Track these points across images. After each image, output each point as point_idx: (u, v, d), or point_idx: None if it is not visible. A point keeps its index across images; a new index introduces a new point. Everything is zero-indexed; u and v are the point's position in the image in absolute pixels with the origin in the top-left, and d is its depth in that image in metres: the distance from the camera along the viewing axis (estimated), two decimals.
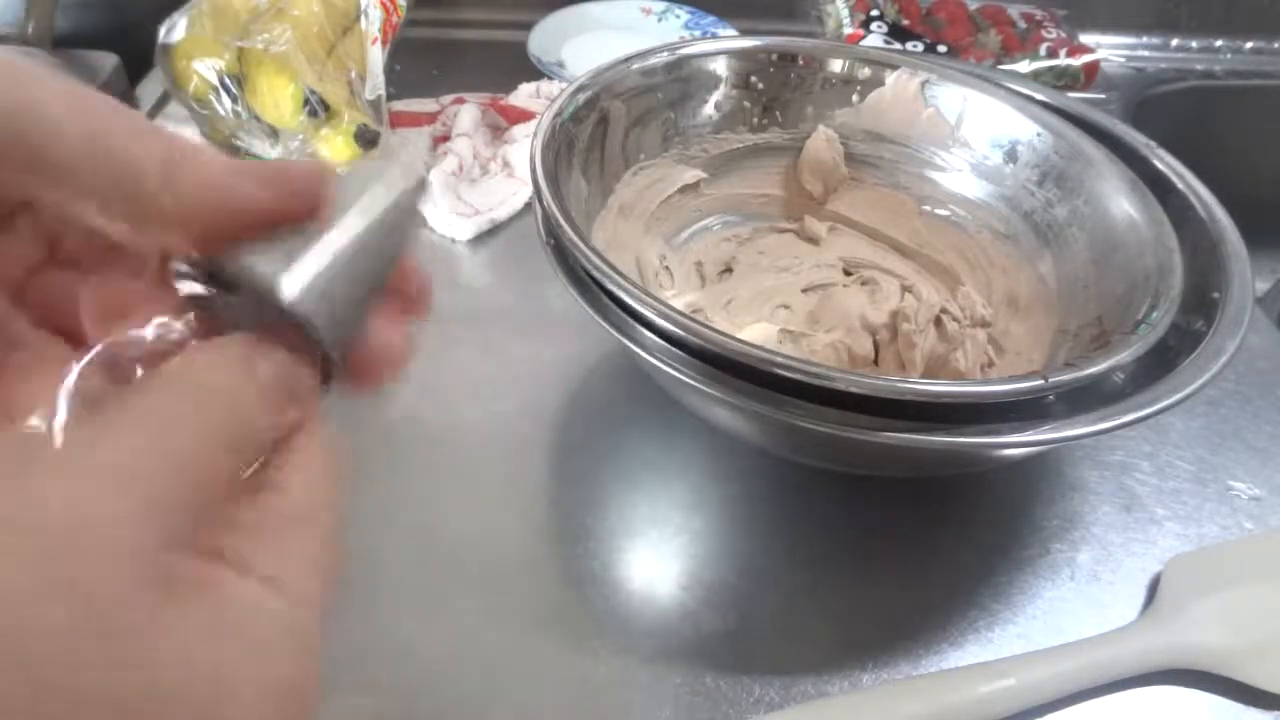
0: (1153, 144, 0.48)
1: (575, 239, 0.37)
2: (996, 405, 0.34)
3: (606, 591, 0.39)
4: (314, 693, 0.16)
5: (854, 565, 0.41)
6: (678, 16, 0.81)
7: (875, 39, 0.75)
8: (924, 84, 0.51)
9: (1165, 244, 0.41)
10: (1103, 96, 0.76)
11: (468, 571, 0.40)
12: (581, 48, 0.77)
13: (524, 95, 0.68)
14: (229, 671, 0.14)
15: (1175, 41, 0.84)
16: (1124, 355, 0.35)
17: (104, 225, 0.17)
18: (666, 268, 0.48)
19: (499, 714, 0.36)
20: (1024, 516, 0.43)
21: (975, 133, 0.51)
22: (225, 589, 0.15)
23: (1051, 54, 0.75)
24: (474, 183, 0.61)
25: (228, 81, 0.56)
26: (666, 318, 0.34)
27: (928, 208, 0.52)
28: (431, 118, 0.66)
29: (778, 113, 0.53)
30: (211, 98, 0.56)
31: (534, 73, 0.71)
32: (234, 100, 0.56)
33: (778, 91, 0.53)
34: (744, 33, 0.76)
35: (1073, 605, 0.40)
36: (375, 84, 0.58)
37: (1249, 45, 0.84)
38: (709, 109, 0.52)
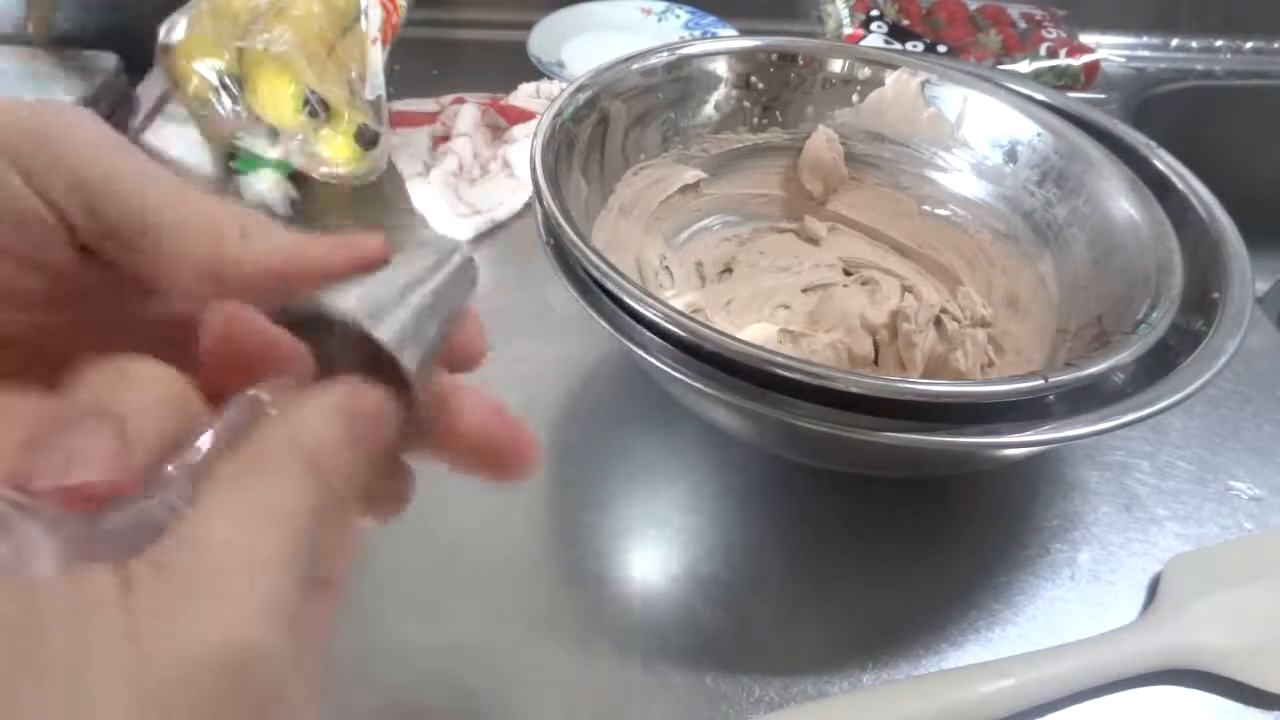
0: (1153, 144, 0.48)
1: (575, 239, 0.37)
2: (996, 405, 0.34)
3: (606, 591, 0.39)
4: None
5: (854, 565, 0.41)
6: (678, 16, 0.81)
7: (875, 39, 0.75)
8: (924, 84, 0.51)
9: (1165, 244, 0.41)
10: (1103, 96, 0.76)
11: (468, 572, 0.40)
12: (581, 48, 0.77)
13: (524, 95, 0.68)
14: None
15: (1175, 41, 0.84)
16: (1124, 355, 0.35)
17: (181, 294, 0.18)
18: (666, 268, 0.48)
19: (499, 714, 0.35)
20: (1024, 516, 0.43)
21: (975, 133, 0.51)
22: None
23: (1052, 54, 0.75)
24: (474, 183, 0.61)
25: (228, 81, 0.56)
26: (666, 318, 0.34)
27: (928, 208, 0.52)
28: (431, 118, 0.66)
29: (778, 113, 0.53)
30: (211, 98, 0.56)
31: (534, 73, 0.71)
32: (234, 100, 0.56)
33: (778, 91, 0.53)
34: (744, 33, 0.76)
35: (1073, 605, 0.40)
36: (375, 84, 0.58)
37: (1249, 45, 0.84)
38: (709, 109, 0.52)
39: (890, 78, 0.52)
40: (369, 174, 0.59)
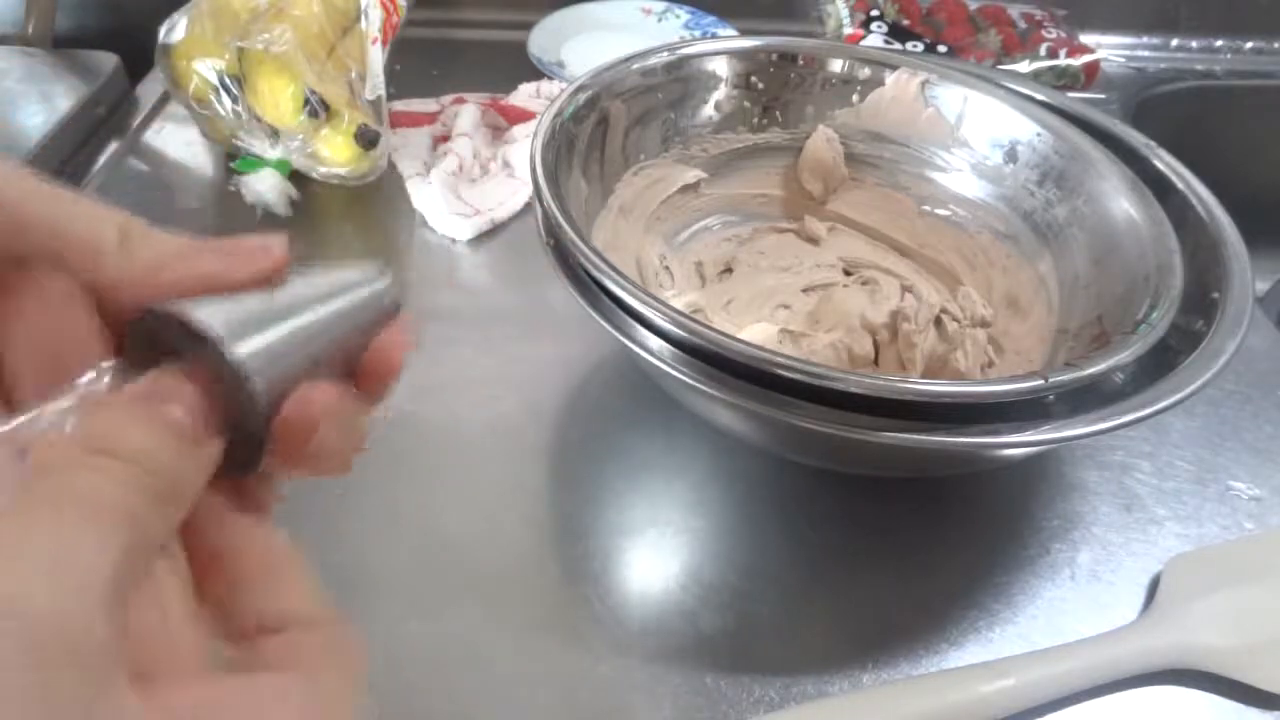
0: (1153, 144, 0.48)
1: (575, 239, 0.37)
2: (996, 405, 0.34)
3: (606, 591, 0.39)
4: None
5: (854, 565, 0.41)
6: (678, 16, 0.81)
7: (875, 39, 0.75)
8: (924, 84, 0.51)
9: (1165, 244, 0.41)
10: (1103, 96, 0.76)
11: (468, 572, 0.40)
12: (581, 48, 0.77)
13: (524, 95, 0.68)
14: None
15: (1175, 41, 0.84)
16: (1124, 355, 0.35)
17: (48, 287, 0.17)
18: (666, 268, 0.48)
19: (499, 714, 0.36)
20: (1024, 516, 0.43)
21: (975, 133, 0.51)
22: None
23: (1051, 54, 0.75)
24: (474, 183, 0.61)
25: (228, 81, 0.56)
26: (667, 318, 0.34)
27: (928, 208, 0.52)
28: (431, 118, 0.66)
29: (778, 113, 0.53)
30: (211, 98, 0.56)
31: (534, 73, 0.71)
32: (234, 100, 0.56)
33: (778, 91, 0.53)
34: (744, 33, 0.76)
35: (1073, 605, 0.40)
36: (375, 84, 0.58)
37: (1249, 45, 0.84)
38: (709, 109, 0.52)
39: (890, 78, 0.52)
40: (369, 174, 0.59)
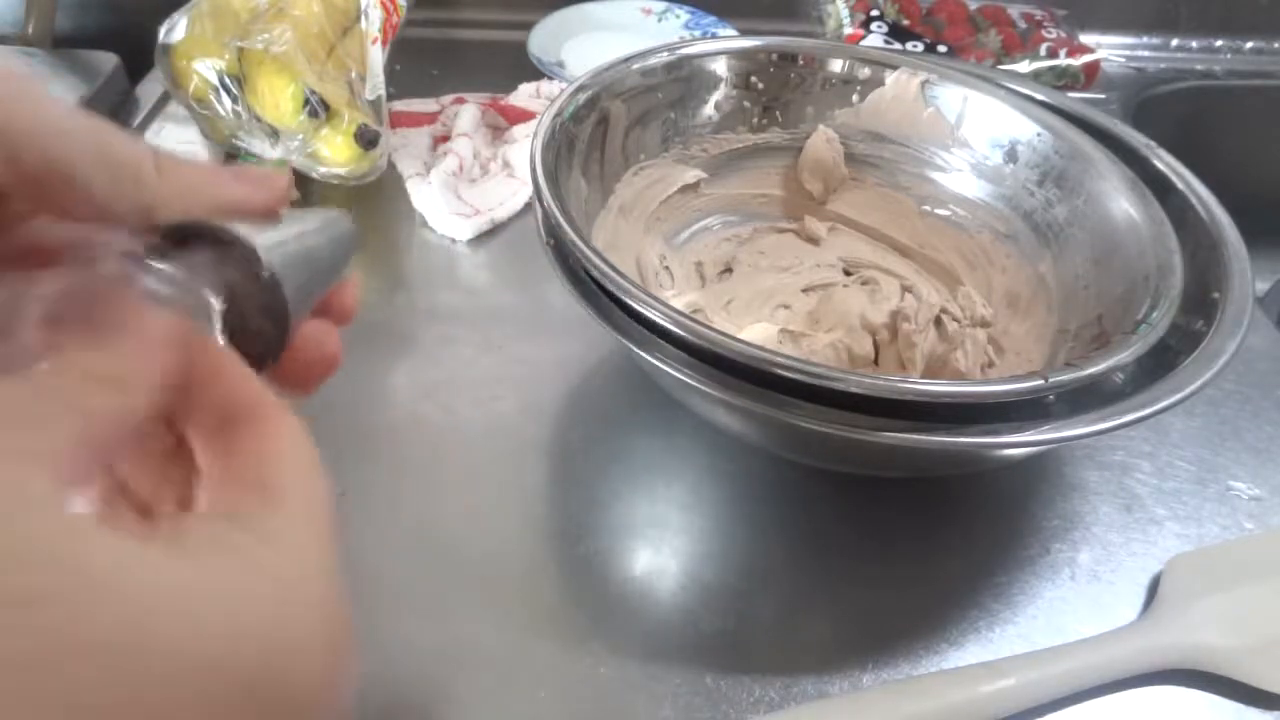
0: (1153, 144, 0.48)
1: (575, 239, 0.37)
2: (996, 405, 0.34)
3: (606, 592, 0.39)
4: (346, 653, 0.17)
5: (854, 565, 0.41)
6: (678, 16, 0.81)
7: (875, 39, 0.75)
8: (924, 84, 0.52)
9: (1165, 244, 0.41)
10: (1103, 96, 0.76)
11: (467, 571, 0.40)
12: (581, 48, 0.77)
13: (524, 95, 0.68)
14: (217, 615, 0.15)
15: (1175, 41, 0.84)
16: (1124, 355, 0.35)
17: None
18: (666, 268, 0.48)
19: (499, 714, 0.36)
20: (1024, 516, 0.43)
21: (975, 133, 0.51)
22: (200, 531, 0.16)
23: (1052, 54, 0.75)
24: (474, 183, 0.61)
25: (228, 81, 0.56)
26: (667, 318, 0.34)
27: (928, 208, 0.52)
28: (431, 118, 0.66)
29: (778, 113, 0.53)
30: (211, 98, 0.56)
31: (534, 73, 0.71)
32: (234, 100, 0.56)
33: (778, 91, 0.53)
34: (744, 33, 0.76)
35: (1073, 605, 0.40)
36: (375, 84, 0.58)
37: (1249, 45, 0.84)
38: (709, 109, 0.52)
39: (890, 78, 0.52)
40: (369, 174, 0.59)
